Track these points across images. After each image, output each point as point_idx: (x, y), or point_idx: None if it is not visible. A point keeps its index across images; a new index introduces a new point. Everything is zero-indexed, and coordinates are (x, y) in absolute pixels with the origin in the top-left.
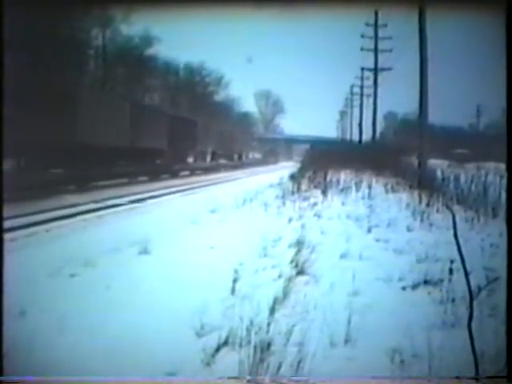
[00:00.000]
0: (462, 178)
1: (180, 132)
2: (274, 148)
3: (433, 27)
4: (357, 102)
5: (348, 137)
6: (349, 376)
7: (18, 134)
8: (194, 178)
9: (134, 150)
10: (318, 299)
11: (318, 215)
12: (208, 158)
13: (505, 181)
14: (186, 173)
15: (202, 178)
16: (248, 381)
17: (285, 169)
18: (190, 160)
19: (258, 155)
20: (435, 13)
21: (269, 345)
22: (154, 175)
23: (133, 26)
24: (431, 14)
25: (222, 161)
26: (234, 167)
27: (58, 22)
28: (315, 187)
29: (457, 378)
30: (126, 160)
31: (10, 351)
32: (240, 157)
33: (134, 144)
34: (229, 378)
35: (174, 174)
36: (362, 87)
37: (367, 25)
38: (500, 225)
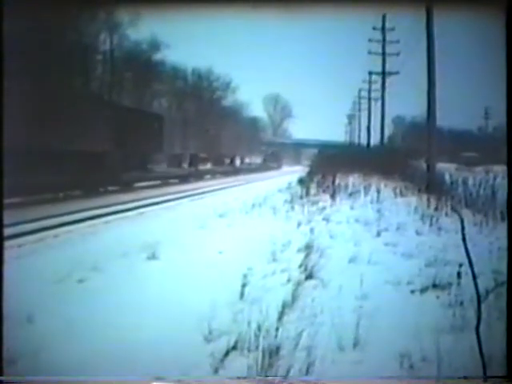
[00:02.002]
0: (471, 182)
1: (136, 129)
2: (277, 151)
3: (440, 30)
4: (365, 106)
5: (356, 141)
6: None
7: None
8: (155, 191)
9: (50, 153)
10: (327, 303)
11: (326, 219)
12: (185, 164)
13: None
14: (153, 183)
15: (171, 189)
16: (258, 381)
17: (289, 175)
18: (159, 167)
19: (258, 160)
20: (443, 16)
21: (277, 349)
22: (90, 188)
23: (140, 31)
24: (439, 17)
25: (208, 166)
26: (225, 174)
27: (64, 27)
28: (324, 191)
29: (464, 377)
30: (36, 168)
31: (18, 356)
32: (232, 161)
33: (47, 145)
34: (238, 377)
35: (126, 186)
36: (369, 91)
37: (375, 29)
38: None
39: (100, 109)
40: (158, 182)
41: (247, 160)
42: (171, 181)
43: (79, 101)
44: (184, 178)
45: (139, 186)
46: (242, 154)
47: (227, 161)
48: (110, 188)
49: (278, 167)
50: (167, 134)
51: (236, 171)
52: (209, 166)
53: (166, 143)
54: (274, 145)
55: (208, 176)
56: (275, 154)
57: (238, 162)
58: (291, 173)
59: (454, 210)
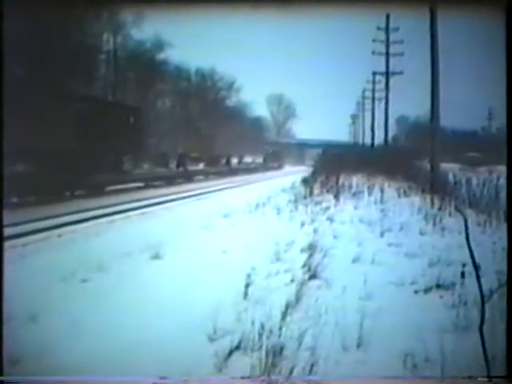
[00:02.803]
0: (474, 182)
1: (106, 125)
2: (278, 151)
3: (444, 30)
4: (368, 106)
5: (360, 141)
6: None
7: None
8: (135, 195)
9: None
10: (331, 303)
11: (330, 219)
12: (173, 164)
13: None
14: (133, 185)
15: (155, 192)
16: (262, 381)
17: (291, 175)
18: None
19: (259, 159)
20: (446, 16)
21: (281, 349)
22: (50, 194)
23: (144, 30)
24: (442, 18)
25: (201, 167)
26: (219, 175)
27: (68, 27)
28: (327, 191)
29: (469, 377)
30: None
31: (21, 355)
32: (228, 161)
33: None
34: (242, 377)
35: (93, 190)
36: (373, 91)
37: (379, 29)
38: None
39: (61, 101)
40: (141, 184)
41: (246, 160)
42: (156, 183)
43: (37, 92)
44: (170, 180)
45: (111, 190)
46: (241, 153)
47: (224, 161)
48: (78, 193)
49: (279, 167)
50: (164, 133)
51: (232, 172)
52: (201, 166)
53: (161, 142)
54: (277, 144)
55: (201, 177)
56: (276, 153)
57: (235, 161)
58: (293, 173)
59: (457, 210)
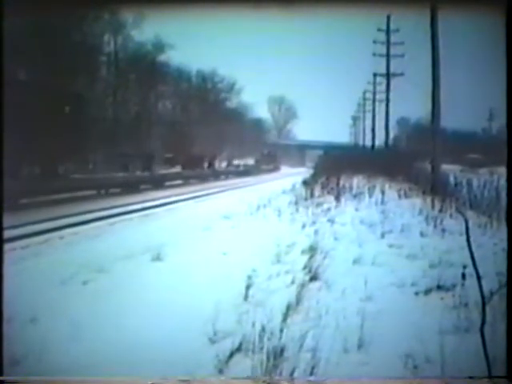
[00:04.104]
0: (475, 183)
1: (26, 115)
2: (274, 151)
3: (445, 32)
4: (369, 108)
5: (361, 142)
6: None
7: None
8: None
9: None
10: (331, 305)
11: (331, 221)
12: (140, 167)
13: None
14: (84, 193)
15: (111, 202)
16: (263, 381)
17: (289, 177)
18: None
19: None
20: (447, 17)
21: (282, 351)
22: None
23: (144, 32)
24: (443, 19)
25: (176, 169)
26: (200, 179)
27: (69, 28)
28: (328, 193)
29: (470, 378)
30: None
31: (22, 356)
32: (211, 163)
33: None
34: (245, 378)
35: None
36: (374, 93)
37: (379, 30)
38: None
39: None
40: (91, 192)
41: (236, 162)
42: (112, 190)
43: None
44: (132, 187)
45: (34, 202)
46: (232, 154)
47: (206, 163)
48: None
49: (275, 169)
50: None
51: (216, 175)
52: (178, 169)
53: (122, 140)
54: (276, 146)
55: (178, 181)
56: (271, 154)
57: (223, 164)
58: (292, 175)
59: (458, 211)
